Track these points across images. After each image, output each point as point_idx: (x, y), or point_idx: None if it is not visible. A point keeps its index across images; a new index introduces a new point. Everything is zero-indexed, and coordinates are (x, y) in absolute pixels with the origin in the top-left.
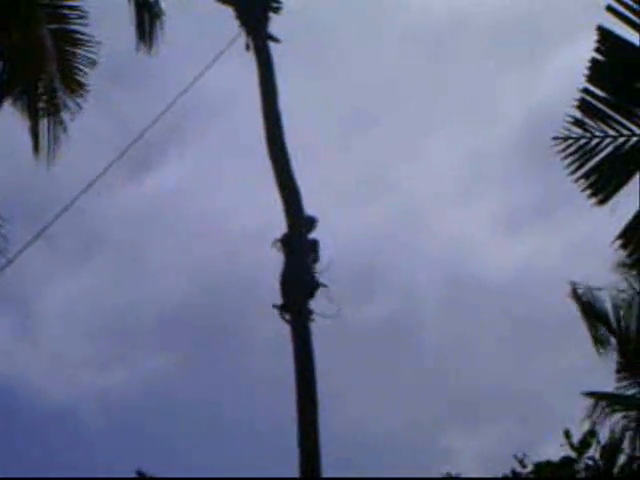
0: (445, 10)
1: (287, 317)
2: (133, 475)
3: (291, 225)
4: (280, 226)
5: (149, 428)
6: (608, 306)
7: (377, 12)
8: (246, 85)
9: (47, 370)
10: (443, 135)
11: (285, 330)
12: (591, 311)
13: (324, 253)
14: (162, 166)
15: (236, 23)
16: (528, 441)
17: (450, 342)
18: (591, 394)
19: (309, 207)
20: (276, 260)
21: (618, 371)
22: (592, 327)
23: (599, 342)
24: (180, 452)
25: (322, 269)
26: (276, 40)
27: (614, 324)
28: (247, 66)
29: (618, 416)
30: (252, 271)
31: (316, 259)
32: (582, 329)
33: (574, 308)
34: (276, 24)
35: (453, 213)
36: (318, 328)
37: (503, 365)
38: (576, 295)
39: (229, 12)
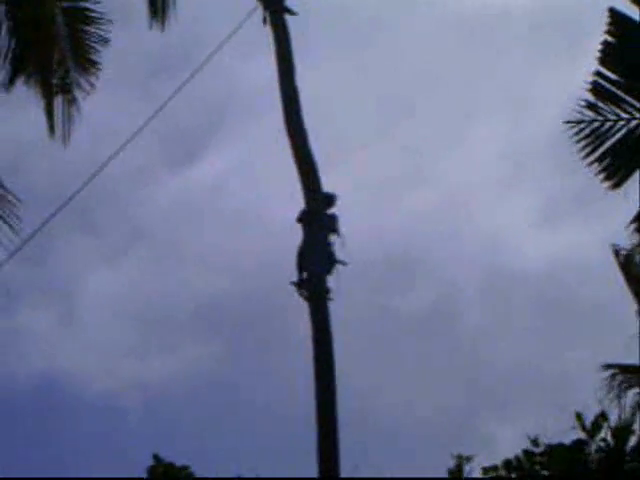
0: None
1: (305, 294)
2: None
3: (309, 201)
4: None
5: (187, 416)
6: None
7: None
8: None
9: (89, 360)
10: (484, 125)
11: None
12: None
13: (367, 243)
14: (204, 159)
15: None
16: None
17: (487, 330)
18: (609, 366)
19: (350, 197)
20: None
21: None
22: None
23: None
24: (215, 440)
25: (339, 245)
26: (293, 13)
27: None
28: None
29: (632, 392)
30: (290, 263)
31: (336, 233)
32: (616, 317)
33: (608, 296)
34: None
35: (492, 203)
36: (356, 315)
37: (539, 353)
38: (618, 256)
39: None
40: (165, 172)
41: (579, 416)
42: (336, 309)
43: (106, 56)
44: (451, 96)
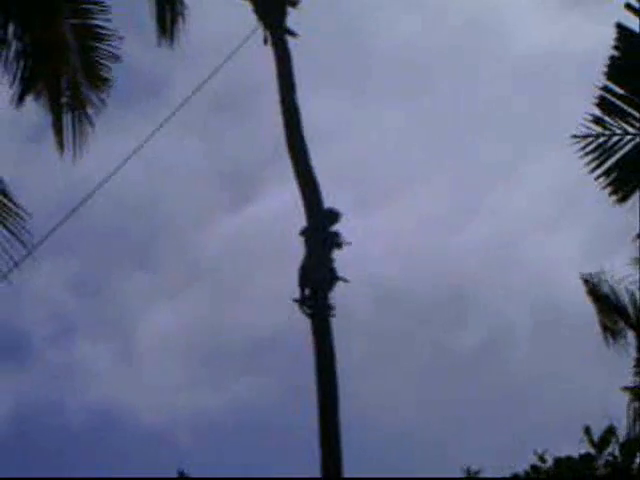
0: (543, 41)
1: (307, 311)
2: None
3: (310, 217)
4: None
5: (238, 450)
6: (626, 300)
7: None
8: (346, 116)
9: (143, 393)
10: (536, 161)
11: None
12: (607, 303)
13: (417, 277)
14: (262, 196)
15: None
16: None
17: (539, 369)
18: (630, 389)
19: (407, 231)
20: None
21: (637, 366)
22: (607, 318)
23: (610, 332)
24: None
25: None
26: (294, 34)
27: (634, 319)
28: (345, 97)
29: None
30: (346, 300)
31: (339, 245)
32: None
33: None
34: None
35: (543, 237)
36: (408, 350)
37: (592, 393)
38: (589, 287)
39: None
40: (225, 210)
41: (587, 430)
42: (388, 343)
43: (167, 93)
44: (503, 134)
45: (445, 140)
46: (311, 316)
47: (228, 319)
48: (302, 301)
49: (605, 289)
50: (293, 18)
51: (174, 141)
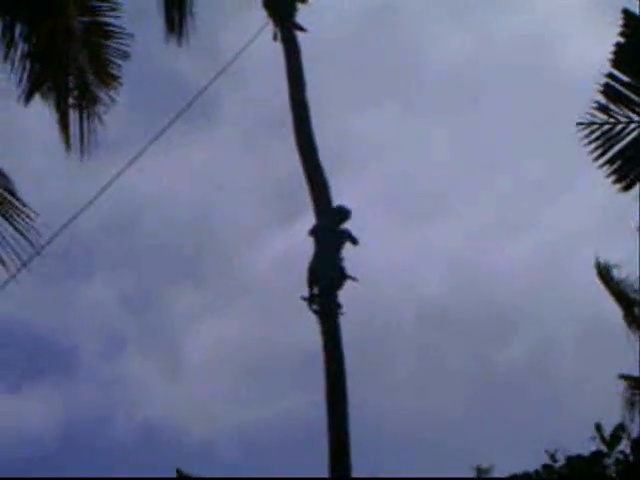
0: (593, 56)
1: (315, 309)
2: None
3: (319, 215)
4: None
5: (285, 464)
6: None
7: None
8: (398, 133)
9: (191, 407)
10: (584, 176)
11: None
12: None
13: (464, 291)
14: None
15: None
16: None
17: (582, 381)
18: (626, 377)
19: (453, 245)
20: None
21: None
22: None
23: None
24: None
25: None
26: (303, 30)
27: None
28: (395, 112)
29: None
30: (392, 314)
31: (355, 241)
32: None
33: None
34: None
35: (591, 252)
36: (454, 365)
37: None
38: (604, 276)
39: None
40: (275, 226)
41: (598, 427)
42: (435, 357)
43: (218, 111)
44: (555, 148)
45: (494, 155)
46: (319, 314)
47: (276, 334)
48: (311, 299)
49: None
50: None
51: (224, 157)
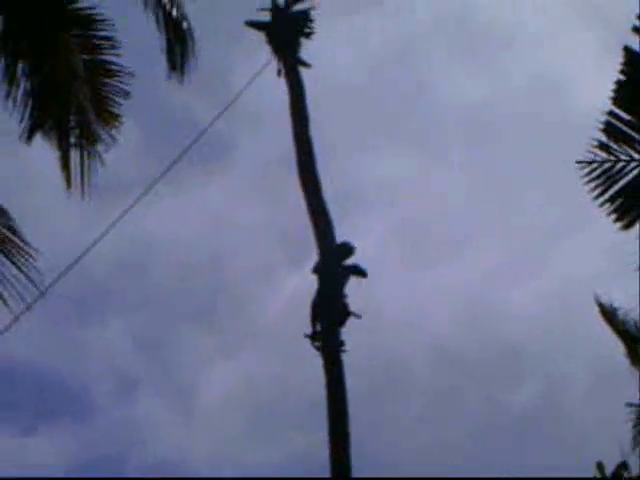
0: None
1: (318, 345)
2: None
3: (322, 252)
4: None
5: None
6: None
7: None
8: (413, 174)
9: (203, 449)
10: (597, 219)
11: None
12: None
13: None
14: None
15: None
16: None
17: (594, 425)
18: (634, 405)
19: (466, 286)
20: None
21: None
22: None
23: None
24: None
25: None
26: (307, 65)
27: None
28: (412, 154)
29: None
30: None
31: (364, 274)
32: None
33: None
34: None
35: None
36: (468, 408)
37: None
38: (606, 314)
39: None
40: (285, 268)
41: (600, 466)
42: (447, 397)
43: (234, 155)
44: (567, 191)
45: (506, 197)
46: (322, 351)
47: (288, 374)
48: (313, 336)
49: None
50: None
51: (238, 198)
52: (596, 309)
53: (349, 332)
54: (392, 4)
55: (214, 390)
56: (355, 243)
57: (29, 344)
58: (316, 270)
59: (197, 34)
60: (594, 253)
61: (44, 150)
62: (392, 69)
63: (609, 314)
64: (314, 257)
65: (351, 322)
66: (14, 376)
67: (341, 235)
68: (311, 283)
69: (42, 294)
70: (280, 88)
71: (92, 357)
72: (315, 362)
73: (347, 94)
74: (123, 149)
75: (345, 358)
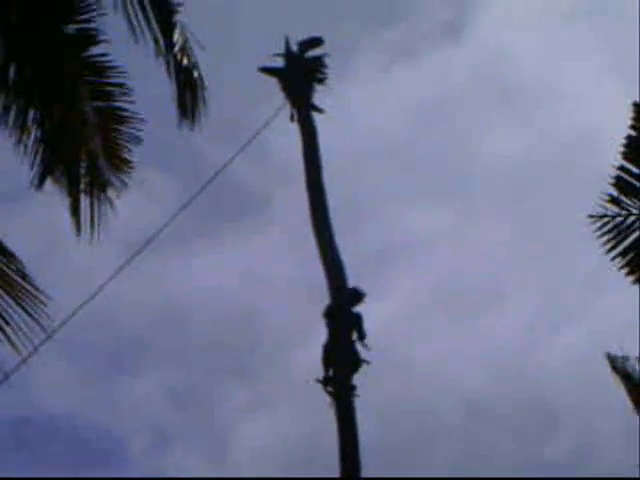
0: None
1: (330, 390)
2: None
3: (334, 297)
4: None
5: None
6: None
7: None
8: (445, 229)
9: None
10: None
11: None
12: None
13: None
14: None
15: (281, 94)
16: None
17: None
18: None
19: (499, 340)
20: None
21: None
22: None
23: None
24: None
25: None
26: (320, 111)
27: None
28: (447, 208)
29: None
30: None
31: (362, 336)
32: None
33: None
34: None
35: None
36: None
37: None
38: (615, 367)
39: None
40: (320, 324)
41: None
42: (479, 450)
43: (269, 210)
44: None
45: (542, 250)
46: (333, 397)
47: (322, 429)
48: (325, 381)
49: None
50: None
51: (274, 254)
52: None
53: (380, 381)
54: (429, 60)
55: (246, 444)
56: (390, 296)
57: (65, 397)
58: (327, 314)
59: (218, 84)
60: (629, 304)
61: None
62: (428, 124)
63: (619, 367)
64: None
65: (382, 371)
66: (50, 429)
67: (377, 288)
68: None
69: (49, 337)
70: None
71: (127, 410)
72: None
73: (385, 149)
74: (159, 202)
75: (376, 406)
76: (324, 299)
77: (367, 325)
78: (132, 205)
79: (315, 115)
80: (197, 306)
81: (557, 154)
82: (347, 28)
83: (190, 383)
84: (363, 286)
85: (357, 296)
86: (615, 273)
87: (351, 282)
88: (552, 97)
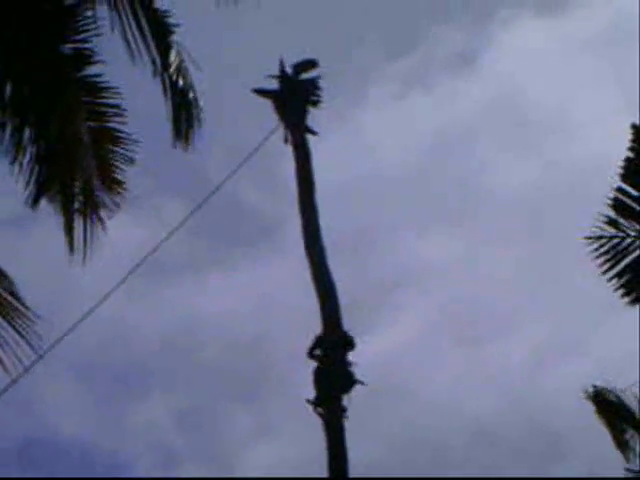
0: None
1: (320, 411)
2: None
3: (327, 321)
4: None
5: None
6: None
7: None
8: (458, 256)
9: None
10: None
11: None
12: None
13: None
14: (373, 333)
15: (274, 116)
16: None
17: None
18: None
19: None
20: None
21: None
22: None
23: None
24: None
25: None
26: (314, 133)
27: None
28: (459, 236)
29: None
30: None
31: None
32: None
33: None
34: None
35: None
36: None
37: None
38: (596, 398)
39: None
40: None
41: None
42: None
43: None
44: None
45: (554, 278)
46: (324, 418)
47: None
48: (316, 403)
49: (612, 398)
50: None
51: (286, 279)
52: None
53: (389, 407)
54: (443, 88)
55: (256, 469)
56: (401, 322)
57: (74, 419)
58: (310, 355)
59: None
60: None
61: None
62: (442, 152)
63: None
64: (358, 341)
65: (389, 398)
66: (58, 452)
67: (388, 314)
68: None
69: (41, 357)
70: (329, 172)
71: (134, 433)
72: (358, 445)
73: (398, 176)
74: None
75: (382, 434)
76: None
77: (378, 350)
78: (145, 231)
79: (329, 141)
80: (207, 330)
81: (570, 183)
82: (362, 56)
83: (198, 407)
84: (374, 312)
85: (347, 343)
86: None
87: (360, 308)
88: (565, 126)
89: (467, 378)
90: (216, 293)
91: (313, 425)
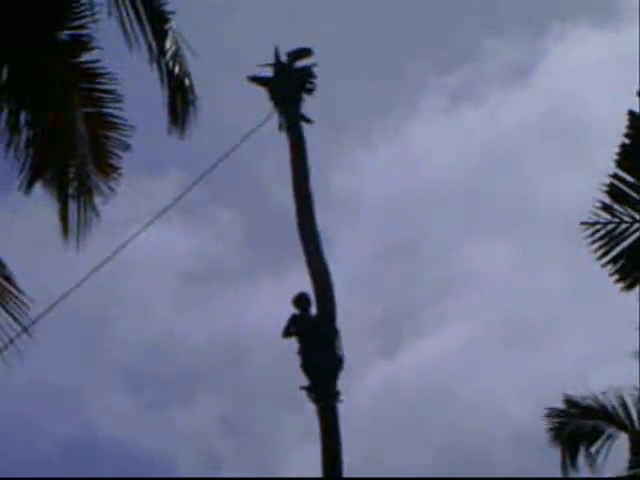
0: None
1: (314, 397)
2: None
3: (321, 306)
4: None
5: None
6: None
7: None
8: (507, 266)
9: None
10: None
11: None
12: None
13: None
14: (423, 338)
15: (269, 104)
16: None
17: None
18: None
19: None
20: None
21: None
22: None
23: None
24: None
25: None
26: (308, 121)
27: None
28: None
29: None
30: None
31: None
32: None
33: None
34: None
35: None
36: None
37: None
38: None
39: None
40: (376, 358)
41: None
42: None
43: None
44: None
45: (599, 290)
46: (317, 402)
47: (380, 460)
48: (310, 389)
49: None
50: None
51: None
52: None
53: (435, 412)
54: (492, 101)
55: (297, 474)
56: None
57: (119, 422)
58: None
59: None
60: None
61: None
62: (492, 164)
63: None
64: (405, 348)
65: (435, 405)
66: (103, 454)
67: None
68: (401, 373)
69: (25, 330)
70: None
71: (180, 436)
72: (399, 448)
73: (446, 189)
74: (224, 238)
75: (430, 438)
76: (380, 332)
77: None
78: (198, 239)
79: (380, 155)
80: (258, 338)
81: None
82: (414, 69)
83: (242, 411)
84: (418, 324)
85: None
86: None
87: (407, 317)
88: (619, 140)
89: (511, 383)
90: (266, 301)
91: (360, 432)
